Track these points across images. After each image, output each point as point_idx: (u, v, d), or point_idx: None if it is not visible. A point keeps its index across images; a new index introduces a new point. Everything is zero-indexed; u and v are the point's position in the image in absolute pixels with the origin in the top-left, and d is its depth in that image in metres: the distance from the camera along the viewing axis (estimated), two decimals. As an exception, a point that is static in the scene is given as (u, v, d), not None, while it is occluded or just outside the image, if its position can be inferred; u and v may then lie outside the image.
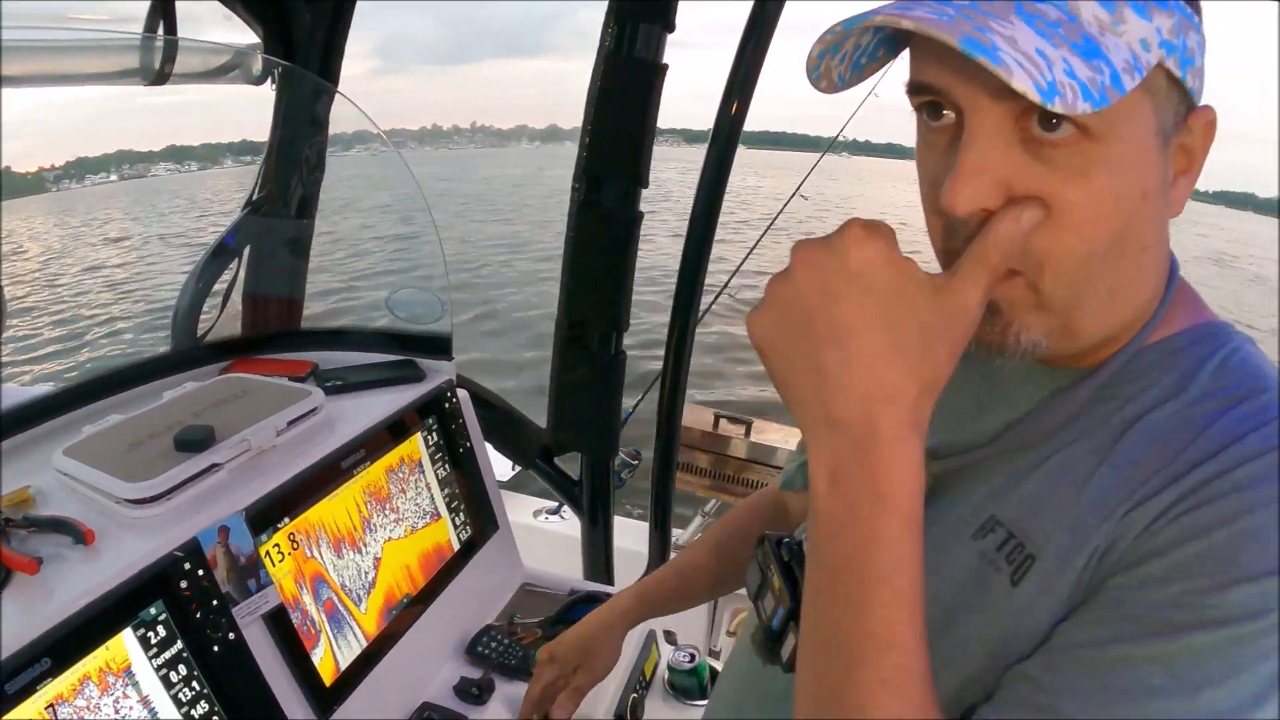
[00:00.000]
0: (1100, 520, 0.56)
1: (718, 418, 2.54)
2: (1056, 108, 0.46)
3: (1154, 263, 0.60)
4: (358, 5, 1.49)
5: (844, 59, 0.57)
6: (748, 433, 2.53)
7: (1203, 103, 0.56)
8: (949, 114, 0.55)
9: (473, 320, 8.92)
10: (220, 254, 1.50)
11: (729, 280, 2.12)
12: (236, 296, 1.54)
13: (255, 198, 1.53)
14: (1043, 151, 0.52)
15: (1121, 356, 0.62)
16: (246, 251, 1.54)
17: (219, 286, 1.50)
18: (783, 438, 2.54)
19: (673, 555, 2.26)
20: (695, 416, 2.54)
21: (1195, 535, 0.51)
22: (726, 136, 1.61)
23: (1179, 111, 0.55)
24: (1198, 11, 0.54)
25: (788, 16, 1.52)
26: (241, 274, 1.54)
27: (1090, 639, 0.53)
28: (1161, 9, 0.51)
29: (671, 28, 1.50)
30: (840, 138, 2.28)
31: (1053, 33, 0.48)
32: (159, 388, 1.35)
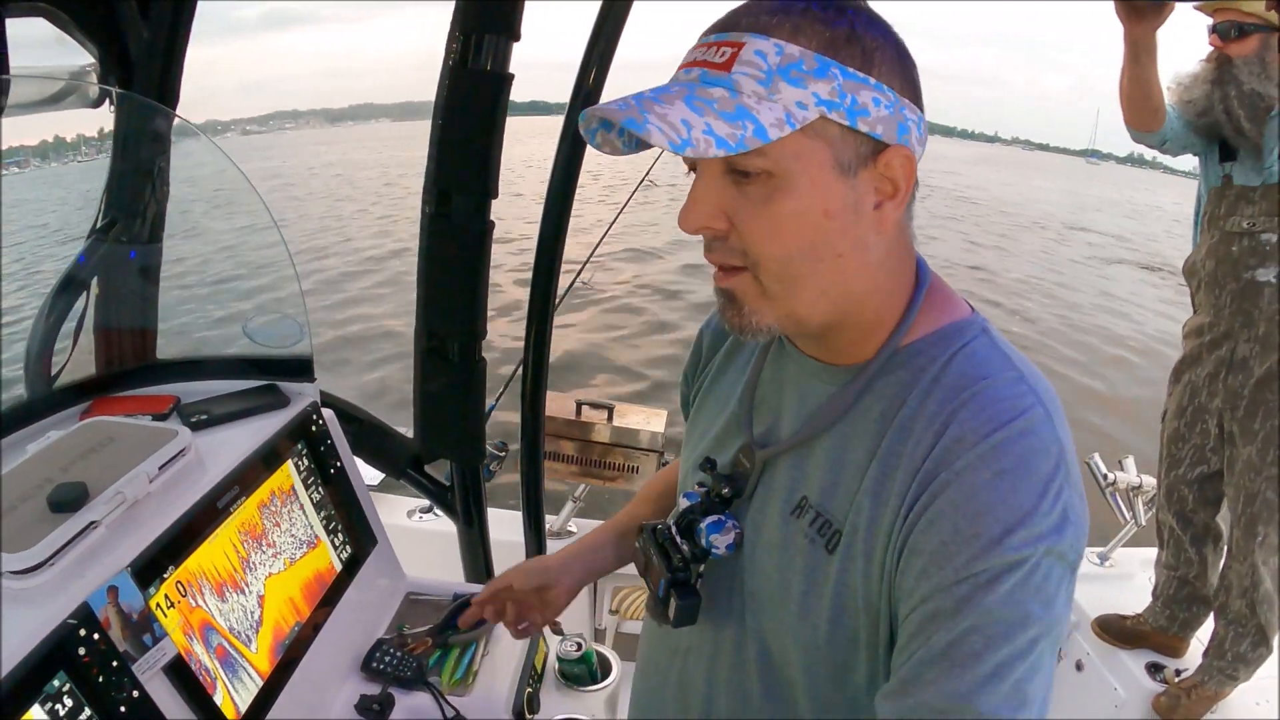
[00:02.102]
0: (877, 507, 0.74)
1: (579, 405, 2.60)
2: (687, 155, 0.65)
3: (861, 268, 0.75)
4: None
5: (621, 131, 0.75)
6: (610, 417, 2.62)
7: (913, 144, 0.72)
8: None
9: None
10: (67, 288, 1.41)
11: (579, 273, 2.16)
12: (87, 331, 1.46)
13: (99, 225, 1.44)
14: (743, 187, 0.70)
15: (879, 358, 0.79)
16: (94, 283, 1.45)
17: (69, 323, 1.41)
18: (644, 419, 2.65)
19: (549, 543, 2.32)
20: (558, 405, 2.60)
21: (939, 526, 0.68)
22: (570, 149, 1.65)
23: (861, 151, 0.70)
24: (888, 76, 0.69)
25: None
26: (90, 307, 1.46)
27: (920, 640, 0.69)
28: (819, 79, 0.66)
29: (517, 37, 1.51)
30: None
31: (705, 107, 0.65)
32: (22, 439, 1.28)
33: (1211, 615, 2.51)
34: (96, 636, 0.97)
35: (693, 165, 0.74)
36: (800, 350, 0.87)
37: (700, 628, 0.92)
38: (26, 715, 0.87)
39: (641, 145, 0.74)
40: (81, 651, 0.94)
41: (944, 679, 0.66)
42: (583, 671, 1.68)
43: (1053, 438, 0.70)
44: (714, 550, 0.86)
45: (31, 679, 0.89)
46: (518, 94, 1.57)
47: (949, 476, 0.69)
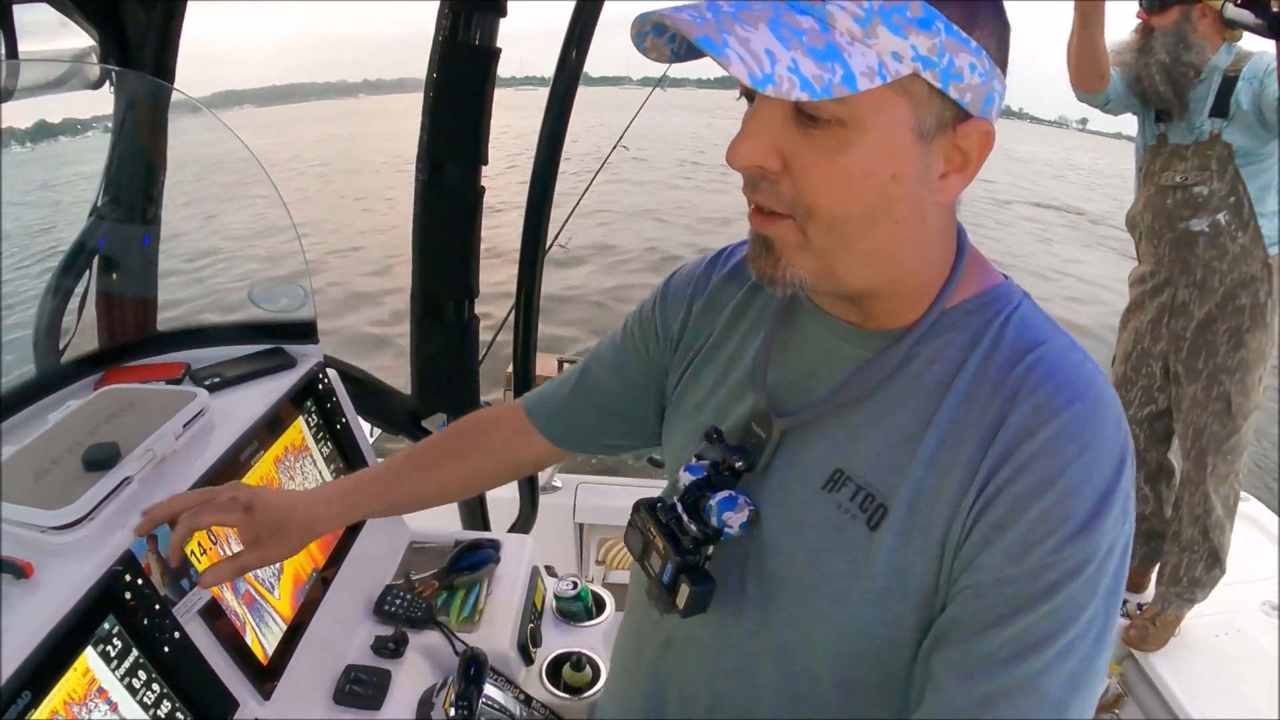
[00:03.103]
0: (939, 479, 0.69)
1: (561, 363, 2.69)
2: (768, 93, 0.57)
3: (916, 238, 0.71)
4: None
5: (673, 38, 0.66)
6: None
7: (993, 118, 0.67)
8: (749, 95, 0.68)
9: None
10: (71, 266, 1.46)
11: (559, 231, 2.21)
12: (90, 307, 1.51)
13: (100, 203, 1.49)
14: (810, 130, 0.64)
15: (926, 320, 0.74)
16: (96, 261, 1.51)
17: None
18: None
19: (541, 499, 2.41)
20: (540, 365, 2.67)
21: (1027, 503, 0.65)
22: (562, 97, 1.70)
23: (944, 117, 0.64)
24: (989, 42, 0.64)
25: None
26: (93, 283, 1.51)
27: (993, 617, 0.65)
28: (922, 31, 0.60)
29: (503, 12, 1.55)
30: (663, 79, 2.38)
31: (793, 38, 0.59)
32: (38, 411, 1.33)
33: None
34: (140, 582, 1.04)
35: (749, 91, 0.67)
36: (828, 313, 0.80)
37: (703, 615, 0.81)
38: (81, 658, 0.94)
39: (693, 53, 0.66)
40: (128, 595, 1.02)
41: (1018, 661, 0.64)
42: (579, 608, 1.78)
43: (1118, 409, 0.68)
44: (727, 530, 0.77)
45: (84, 622, 0.96)
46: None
47: (1034, 448, 0.65)
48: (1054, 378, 0.68)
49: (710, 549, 0.80)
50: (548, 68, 1.73)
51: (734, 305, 0.92)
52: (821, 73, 0.58)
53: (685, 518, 0.79)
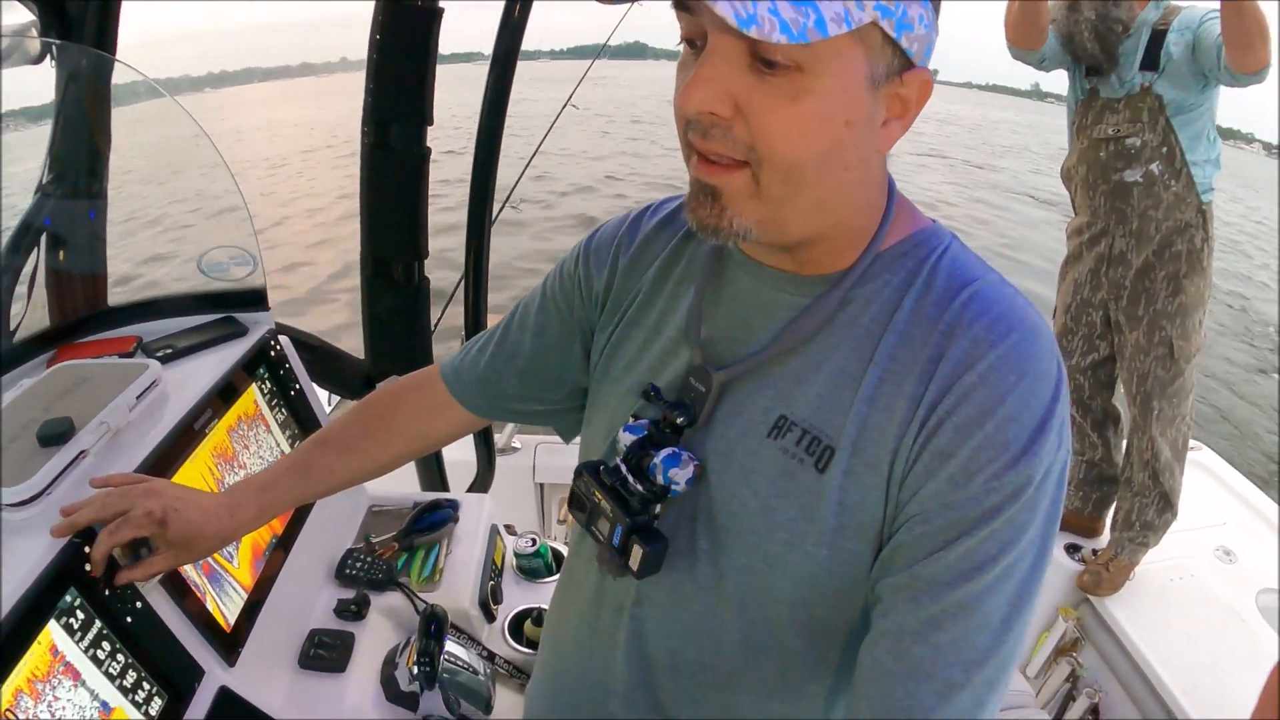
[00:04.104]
0: (882, 415, 0.71)
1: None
2: (751, 33, 0.57)
3: (859, 184, 0.71)
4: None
5: None
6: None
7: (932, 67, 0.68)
8: (698, 39, 0.66)
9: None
10: (19, 245, 1.42)
11: (510, 193, 2.21)
12: (40, 285, 1.48)
13: (45, 180, 1.45)
14: (766, 77, 0.62)
15: (861, 264, 0.75)
16: (44, 238, 1.48)
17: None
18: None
19: (501, 460, 2.43)
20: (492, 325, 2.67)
21: (969, 431, 0.67)
22: (505, 58, 1.69)
23: (892, 65, 0.65)
24: None
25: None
26: (42, 261, 1.48)
27: (938, 542, 0.68)
28: None
29: None
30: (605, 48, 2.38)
31: None
32: (-7, 390, 1.31)
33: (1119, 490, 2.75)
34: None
35: (696, 36, 0.66)
36: (760, 262, 0.80)
37: (657, 575, 0.81)
38: (44, 632, 0.94)
39: None
40: (88, 568, 1.01)
41: (962, 583, 0.66)
42: (539, 565, 1.81)
43: (1051, 339, 0.71)
44: (674, 487, 0.77)
45: (45, 597, 0.95)
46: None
47: (974, 379, 0.67)
48: (989, 312, 0.70)
49: (658, 507, 0.80)
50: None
51: (661, 261, 0.90)
52: (798, 17, 0.58)
53: (630, 478, 0.79)
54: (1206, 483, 3.19)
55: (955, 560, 0.67)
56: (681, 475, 0.77)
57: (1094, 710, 2.52)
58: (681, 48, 0.69)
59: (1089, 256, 2.55)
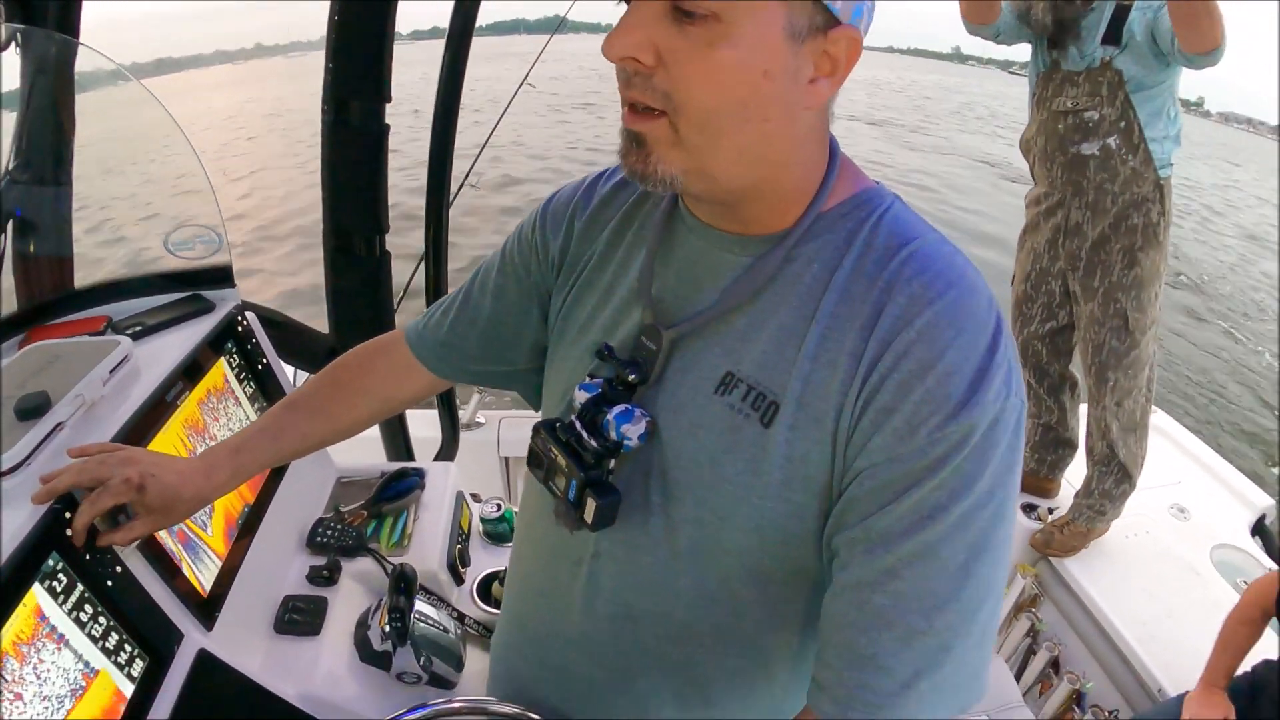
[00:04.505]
0: (825, 371, 0.74)
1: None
2: None
3: (785, 138, 0.73)
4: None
5: None
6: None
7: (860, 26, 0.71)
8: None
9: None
10: None
11: (467, 173, 2.24)
12: (7, 270, 1.50)
13: (11, 166, 1.47)
14: (685, 27, 0.66)
15: (802, 224, 0.77)
16: (10, 225, 1.49)
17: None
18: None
19: (466, 435, 2.47)
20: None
21: (910, 386, 0.69)
22: (460, 33, 1.73)
23: (815, 21, 0.68)
24: None
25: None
26: (8, 246, 1.50)
27: (888, 494, 0.70)
28: None
29: None
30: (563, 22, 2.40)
31: None
32: (-35, 372, 1.33)
33: (1077, 457, 2.83)
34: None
35: None
36: (707, 224, 0.83)
37: (612, 529, 0.85)
38: (29, 595, 0.98)
39: None
40: (69, 533, 1.05)
41: (916, 531, 0.69)
42: (504, 530, 1.86)
43: (988, 294, 0.73)
44: (626, 442, 0.80)
45: (29, 560, 0.99)
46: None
47: (912, 335, 0.70)
48: (927, 270, 0.72)
49: (612, 462, 0.83)
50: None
51: (614, 224, 0.93)
52: None
53: (585, 434, 0.82)
54: (1161, 444, 3.26)
55: (906, 511, 0.69)
56: (634, 431, 0.80)
57: (1054, 663, 2.60)
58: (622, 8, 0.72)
59: (1046, 227, 2.59)
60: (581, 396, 0.84)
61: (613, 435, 0.81)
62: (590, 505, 0.82)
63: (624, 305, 0.89)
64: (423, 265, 2.09)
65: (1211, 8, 1.98)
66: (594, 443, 0.82)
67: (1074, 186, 2.45)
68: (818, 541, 0.78)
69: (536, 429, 0.89)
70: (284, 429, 1.12)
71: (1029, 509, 2.88)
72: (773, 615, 0.86)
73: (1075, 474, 2.86)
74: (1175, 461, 3.19)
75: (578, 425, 0.83)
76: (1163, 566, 2.68)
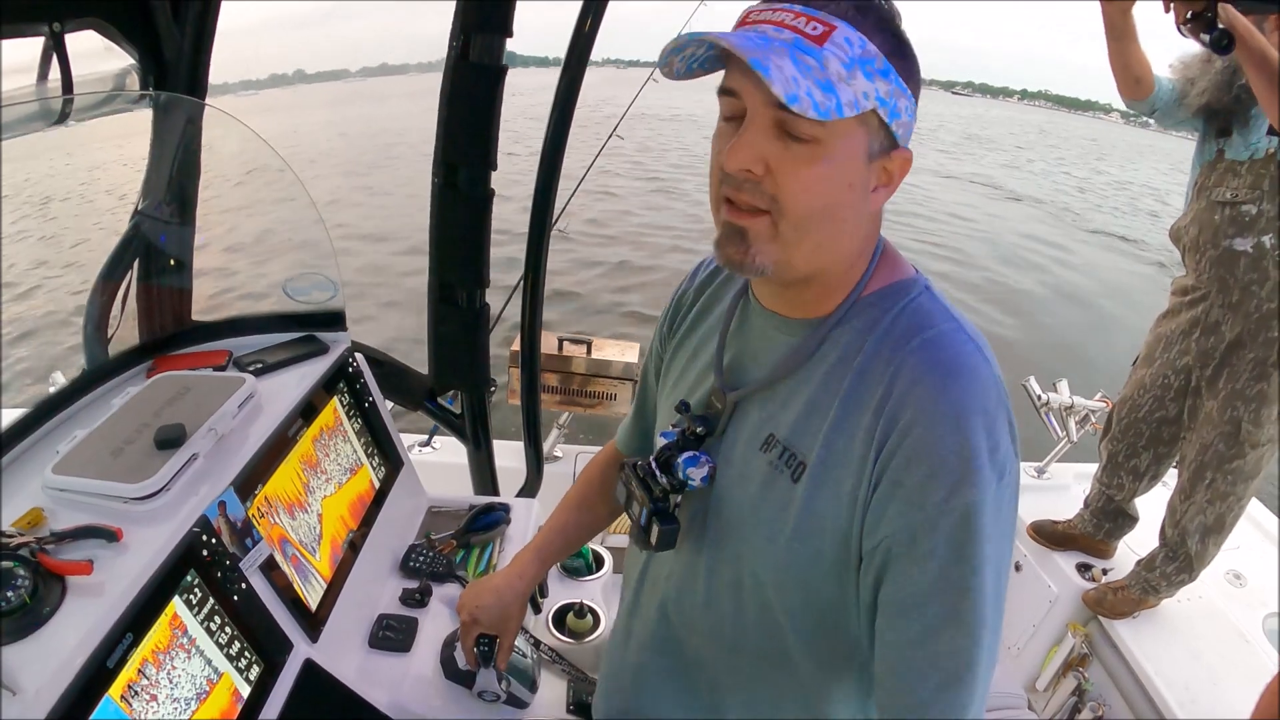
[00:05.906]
0: (844, 441, 0.85)
1: (561, 341, 2.87)
2: (794, 109, 0.73)
3: (850, 236, 0.87)
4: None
5: (683, 59, 0.82)
6: (589, 351, 2.89)
7: (912, 150, 0.86)
8: (737, 117, 0.82)
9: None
10: (116, 266, 1.62)
11: (555, 219, 2.36)
12: (132, 302, 1.66)
13: (141, 207, 1.64)
14: (790, 145, 0.79)
15: (840, 310, 0.90)
16: (137, 262, 1.66)
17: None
18: (619, 351, 2.92)
19: (546, 468, 2.61)
20: (542, 343, 2.85)
21: (917, 460, 0.80)
22: (564, 100, 1.83)
23: (884, 144, 0.82)
24: (914, 91, 0.83)
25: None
26: (134, 281, 1.66)
27: (907, 563, 0.82)
28: (883, 79, 0.79)
29: (510, 33, 1.70)
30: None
31: (807, 73, 0.75)
32: (97, 398, 1.50)
33: (1134, 526, 2.80)
34: (214, 541, 1.23)
35: (737, 113, 0.82)
36: (764, 307, 0.97)
37: (678, 554, 1.03)
38: (170, 605, 1.13)
39: (698, 73, 0.84)
40: (205, 553, 1.20)
41: (941, 595, 0.81)
42: (580, 565, 1.99)
43: (991, 377, 0.82)
44: (690, 482, 0.96)
45: (172, 576, 1.14)
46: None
47: (915, 416, 0.80)
48: (933, 357, 0.82)
49: (678, 498, 0.99)
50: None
51: (699, 306, 1.12)
52: (826, 100, 0.75)
53: (658, 472, 0.98)
54: None
55: (933, 578, 0.81)
56: (697, 474, 0.96)
57: (1097, 724, 2.57)
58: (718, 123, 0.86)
59: (1184, 317, 2.46)
60: (661, 441, 1.01)
61: (680, 475, 0.96)
62: (655, 530, 0.98)
63: (703, 371, 1.06)
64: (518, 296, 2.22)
65: None
66: (664, 480, 0.98)
67: (1220, 283, 2.30)
68: (834, 580, 0.90)
69: (622, 465, 1.07)
70: (568, 526, 1.39)
71: (1084, 568, 2.85)
72: (800, 641, 0.97)
73: (1136, 540, 2.85)
74: (1237, 527, 3.11)
75: (653, 465, 1.00)
76: (1213, 632, 2.64)
